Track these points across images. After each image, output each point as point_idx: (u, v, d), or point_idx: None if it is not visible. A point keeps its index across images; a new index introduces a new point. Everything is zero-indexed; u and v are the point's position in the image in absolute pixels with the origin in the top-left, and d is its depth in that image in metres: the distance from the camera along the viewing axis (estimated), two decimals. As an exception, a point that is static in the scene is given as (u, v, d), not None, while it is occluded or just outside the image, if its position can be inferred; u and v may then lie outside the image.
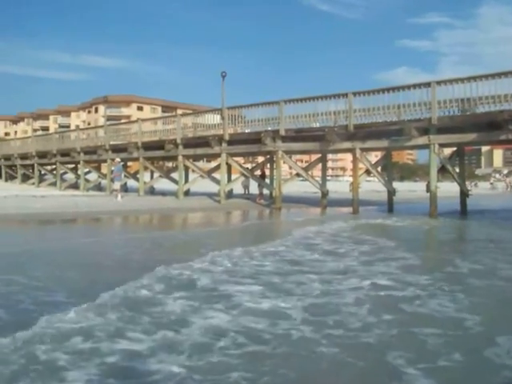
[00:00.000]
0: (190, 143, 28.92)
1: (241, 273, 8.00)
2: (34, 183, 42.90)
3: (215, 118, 28.23)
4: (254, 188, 30.58)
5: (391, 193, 23.83)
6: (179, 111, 64.55)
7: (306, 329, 5.11)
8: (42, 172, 44.29)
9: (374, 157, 48.17)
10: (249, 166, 37.17)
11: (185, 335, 4.90)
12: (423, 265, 9.35)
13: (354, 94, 22.10)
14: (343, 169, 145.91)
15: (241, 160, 32.55)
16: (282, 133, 24.17)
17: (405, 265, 8.89)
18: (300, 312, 5.73)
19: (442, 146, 20.87)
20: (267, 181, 29.45)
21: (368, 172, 24.56)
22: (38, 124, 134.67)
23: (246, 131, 27.26)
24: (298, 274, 7.95)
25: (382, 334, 4.99)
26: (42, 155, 41.30)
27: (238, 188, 31.11)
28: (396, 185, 25.46)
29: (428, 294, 6.66)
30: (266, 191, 29.18)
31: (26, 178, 45.28)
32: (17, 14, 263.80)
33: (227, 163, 27.63)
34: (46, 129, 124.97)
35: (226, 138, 26.41)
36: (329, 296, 6.52)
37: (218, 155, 28.38)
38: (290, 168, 35.30)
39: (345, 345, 4.69)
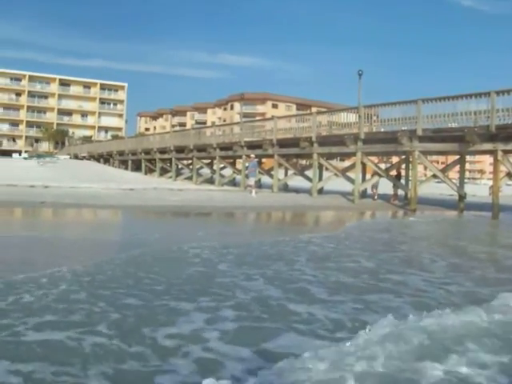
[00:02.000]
0: (324, 141, 29.06)
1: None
2: (171, 177, 44.59)
3: (350, 117, 28.16)
4: (382, 188, 29.91)
5: (535, 198, 22.71)
6: (313, 109, 64.92)
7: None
8: (179, 166, 46.02)
9: (516, 159, 46.07)
10: (382, 165, 36.64)
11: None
12: None
13: (497, 92, 21.12)
14: (481, 171, 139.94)
15: (375, 159, 32.11)
16: (420, 133, 23.60)
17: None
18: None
19: None
20: (402, 181, 28.94)
21: (509, 175, 23.54)
22: (175, 120, 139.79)
23: (382, 130, 26.96)
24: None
25: None
26: (179, 150, 42.80)
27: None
28: (541, 189, 24.24)
29: None
30: (400, 192, 28.65)
31: (163, 172, 47.25)
32: (160, 18, 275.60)
33: (362, 162, 27.50)
34: (183, 125, 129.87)
35: (362, 136, 26.19)
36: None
37: (352, 154, 28.33)
38: (425, 169, 34.40)
39: None
